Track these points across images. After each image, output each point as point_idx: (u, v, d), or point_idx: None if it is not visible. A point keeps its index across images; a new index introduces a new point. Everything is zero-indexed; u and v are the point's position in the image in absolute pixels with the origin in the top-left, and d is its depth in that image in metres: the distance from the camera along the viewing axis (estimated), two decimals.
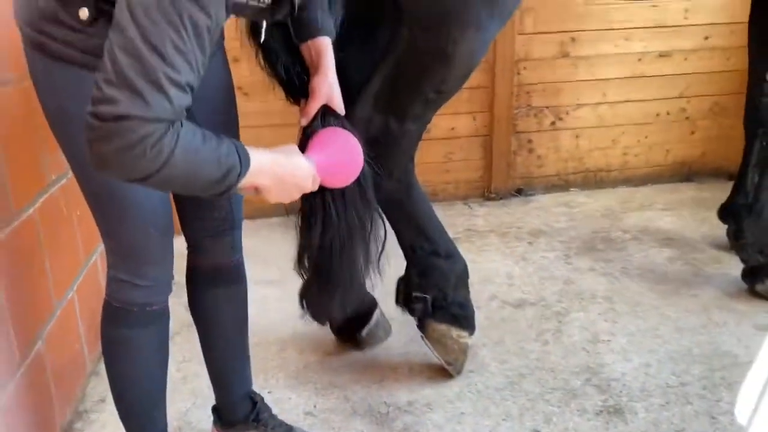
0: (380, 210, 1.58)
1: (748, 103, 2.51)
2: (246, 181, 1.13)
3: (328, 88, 1.41)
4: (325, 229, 1.46)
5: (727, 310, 2.29)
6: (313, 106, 1.40)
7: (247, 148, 1.14)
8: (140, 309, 1.38)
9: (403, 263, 1.98)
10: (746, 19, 2.48)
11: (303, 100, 1.44)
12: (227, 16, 1.08)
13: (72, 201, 1.96)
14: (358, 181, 1.41)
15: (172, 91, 0.97)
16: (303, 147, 1.34)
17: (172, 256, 1.41)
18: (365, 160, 1.41)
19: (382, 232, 1.58)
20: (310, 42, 1.42)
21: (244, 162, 1.11)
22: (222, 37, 1.45)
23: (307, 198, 1.37)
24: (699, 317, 2.26)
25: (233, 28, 1.62)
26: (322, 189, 1.35)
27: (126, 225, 1.31)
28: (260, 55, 1.59)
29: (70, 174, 1.91)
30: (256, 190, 1.19)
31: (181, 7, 0.95)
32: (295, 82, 1.52)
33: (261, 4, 1.16)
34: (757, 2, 2.39)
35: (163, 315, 1.45)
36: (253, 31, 1.51)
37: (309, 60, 1.44)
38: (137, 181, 1.03)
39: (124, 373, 1.45)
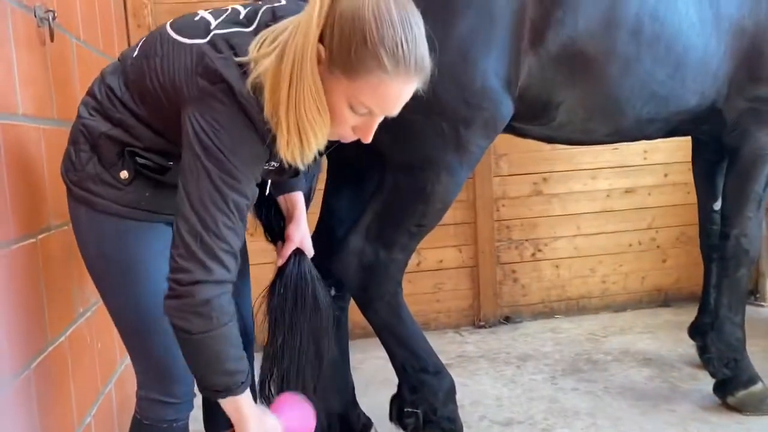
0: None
1: (702, 232, 2.81)
2: (235, 406, 1.35)
3: (300, 235, 1.71)
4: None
5: (702, 422, 2.43)
6: (288, 250, 1.70)
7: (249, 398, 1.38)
8: (169, 425, 1.55)
9: (390, 392, 2.17)
10: None
11: (279, 243, 1.74)
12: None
13: (95, 332, 2.16)
14: None
15: (227, 259, 1.28)
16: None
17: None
18: None
19: None
20: (285, 196, 1.72)
21: (247, 380, 1.37)
22: None
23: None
24: (677, 429, 2.39)
25: None
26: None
27: (156, 348, 1.51)
28: None
29: (95, 307, 2.15)
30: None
31: (228, 199, 1.26)
32: (274, 227, 1.80)
33: (269, 167, 1.44)
34: (695, 144, 2.76)
35: (187, 431, 1.62)
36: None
37: (285, 209, 1.74)
38: (190, 335, 1.29)
39: None
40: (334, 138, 1.35)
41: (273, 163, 1.41)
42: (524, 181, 3.63)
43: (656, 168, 3.75)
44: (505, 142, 3.30)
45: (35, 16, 1.72)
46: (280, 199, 1.74)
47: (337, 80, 1.22)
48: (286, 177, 1.51)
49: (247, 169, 1.29)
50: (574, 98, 2.02)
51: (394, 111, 1.28)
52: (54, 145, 1.82)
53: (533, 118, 2.06)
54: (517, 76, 1.91)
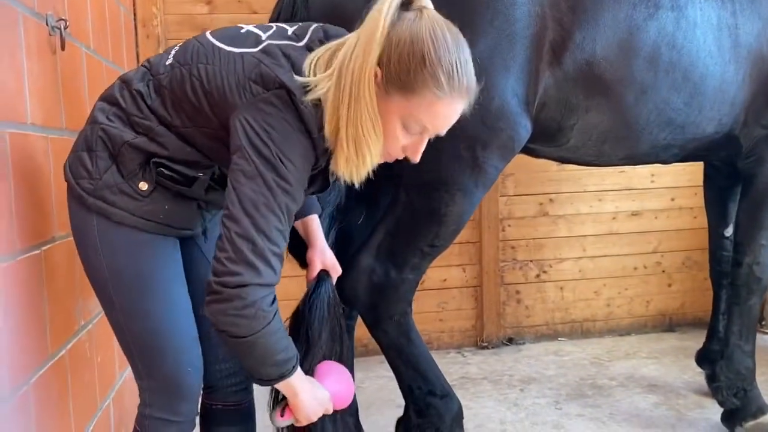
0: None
1: (712, 257, 2.78)
2: (288, 386, 1.42)
3: (320, 258, 1.73)
4: None
5: None
6: (312, 274, 1.73)
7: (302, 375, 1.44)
8: None
9: (397, 413, 2.13)
10: None
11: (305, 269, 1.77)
12: None
13: (95, 345, 2.12)
14: None
15: (274, 261, 1.29)
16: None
17: (199, 395, 1.58)
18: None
19: None
20: (300, 220, 1.73)
21: (297, 361, 1.40)
22: None
23: None
24: None
25: None
26: None
27: (166, 365, 1.48)
28: None
29: (96, 320, 2.11)
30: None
31: (280, 202, 1.28)
32: (298, 255, 1.85)
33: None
34: (708, 169, 2.74)
35: None
36: None
37: (302, 233, 1.76)
38: (240, 338, 1.30)
39: None
40: (384, 158, 1.39)
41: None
42: (530, 202, 3.61)
43: (663, 191, 3.73)
44: (512, 162, 3.24)
45: (47, 24, 1.70)
46: (297, 224, 1.73)
47: (392, 100, 1.29)
48: (311, 193, 1.50)
49: (298, 173, 1.31)
50: (590, 122, 2.00)
51: (445, 129, 1.35)
52: (61, 155, 1.78)
53: (547, 140, 2.04)
54: (534, 96, 1.89)
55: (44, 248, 1.68)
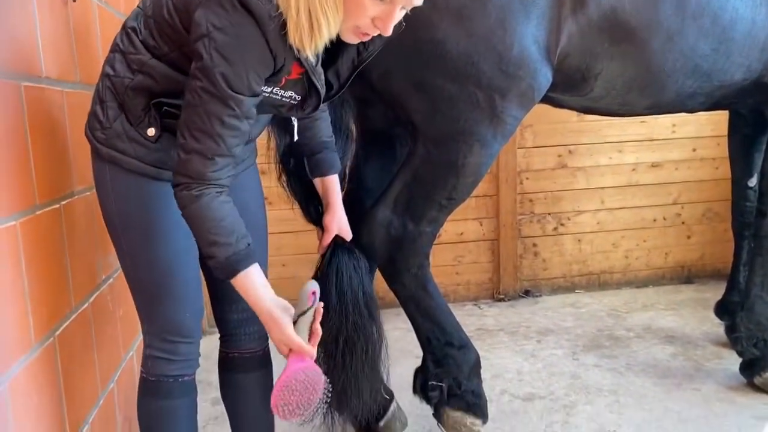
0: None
1: (735, 208, 2.74)
2: (238, 283, 1.38)
3: (337, 223, 1.75)
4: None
5: (727, 402, 2.40)
6: (327, 240, 1.76)
7: (251, 275, 1.38)
8: (174, 380, 1.56)
9: (414, 364, 2.16)
10: None
11: (318, 229, 1.80)
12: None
13: (117, 299, 2.16)
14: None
15: (197, 159, 1.31)
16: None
17: (200, 336, 1.62)
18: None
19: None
20: (322, 179, 1.75)
21: (227, 266, 1.36)
22: (255, 153, 1.72)
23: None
24: (701, 409, 2.36)
25: (263, 146, 1.91)
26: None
27: (167, 311, 1.53)
28: (283, 180, 1.93)
29: (116, 274, 2.14)
30: None
31: (223, 94, 1.28)
32: (311, 211, 1.89)
33: (293, 101, 1.43)
34: (733, 118, 2.68)
35: (193, 388, 1.62)
36: (285, 130, 1.79)
37: (320, 192, 1.77)
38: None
39: None
40: (354, 34, 1.32)
41: (291, 93, 1.41)
42: (549, 154, 3.56)
43: (685, 142, 3.66)
44: (530, 112, 3.20)
45: None
46: (316, 182, 1.75)
47: None
48: (309, 110, 1.47)
49: (244, 74, 1.28)
50: (614, 70, 1.94)
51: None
52: (77, 109, 1.78)
53: (570, 89, 1.99)
54: (556, 44, 1.83)
55: (63, 203, 1.68)
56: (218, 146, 1.31)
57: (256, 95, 1.33)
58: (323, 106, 1.70)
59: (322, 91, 1.42)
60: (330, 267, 1.78)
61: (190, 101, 1.30)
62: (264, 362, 1.76)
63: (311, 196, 1.84)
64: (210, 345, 1.84)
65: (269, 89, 1.38)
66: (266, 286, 1.41)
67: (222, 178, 1.34)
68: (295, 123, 1.63)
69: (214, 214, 1.33)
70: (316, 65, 1.37)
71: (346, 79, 1.48)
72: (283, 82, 1.39)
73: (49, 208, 1.58)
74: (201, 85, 1.28)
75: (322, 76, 1.41)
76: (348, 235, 1.77)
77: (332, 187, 1.75)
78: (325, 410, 1.96)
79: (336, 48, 1.40)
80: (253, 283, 1.38)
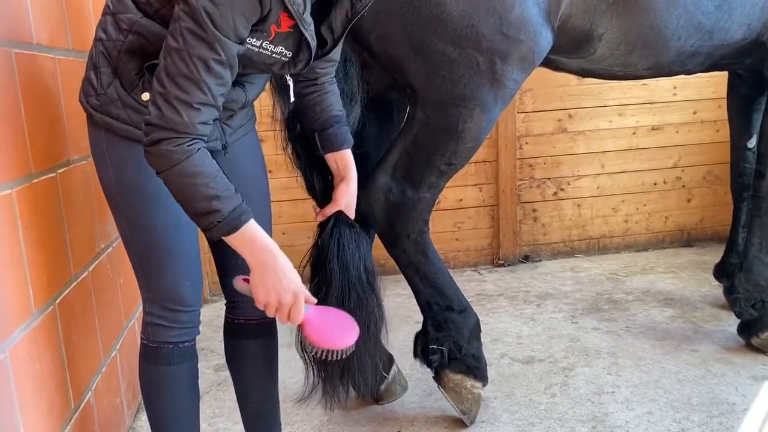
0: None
1: (733, 170, 2.73)
2: (233, 242, 1.32)
3: (348, 198, 1.70)
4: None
5: (725, 362, 2.42)
6: (331, 210, 1.70)
7: (255, 225, 1.33)
8: (174, 346, 1.57)
9: (414, 329, 2.17)
10: None
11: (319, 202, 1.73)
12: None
13: (116, 268, 2.16)
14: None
15: (180, 107, 1.24)
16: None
17: (200, 305, 1.63)
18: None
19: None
20: (335, 155, 1.69)
21: (232, 220, 1.30)
22: (254, 119, 1.70)
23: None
24: (699, 369, 2.39)
25: (265, 114, 1.90)
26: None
27: (165, 279, 1.52)
28: (289, 150, 1.90)
29: (115, 243, 2.14)
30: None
31: (192, 51, 1.23)
32: (315, 185, 1.84)
33: (283, 58, 1.38)
34: (732, 79, 2.65)
35: (194, 354, 1.62)
36: (282, 91, 1.76)
37: (334, 169, 1.71)
38: (158, 174, 1.28)
39: (163, 407, 1.61)
40: None
41: (281, 48, 1.36)
42: (548, 118, 3.53)
43: (685, 105, 3.63)
44: (530, 77, 3.18)
45: None
46: (329, 158, 1.71)
47: None
48: (301, 66, 1.42)
49: (237, 12, 1.23)
50: (617, 30, 1.91)
51: None
52: (70, 77, 1.76)
53: (572, 51, 1.96)
54: (558, 6, 1.80)
55: (60, 171, 1.68)
56: (204, 94, 1.25)
57: (241, 42, 1.28)
58: (332, 78, 1.68)
59: (313, 43, 1.37)
60: (331, 238, 1.76)
61: (172, 45, 1.23)
62: (269, 329, 1.76)
63: (316, 167, 1.82)
64: (212, 312, 1.85)
65: (258, 43, 1.33)
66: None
67: (206, 132, 1.29)
68: (291, 84, 1.60)
69: (209, 169, 1.29)
70: (304, 13, 1.32)
71: (340, 34, 1.44)
72: (273, 36, 1.34)
73: (45, 177, 1.57)
74: (186, 25, 1.22)
75: (312, 27, 1.36)
76: (352, 213, 1.73)
77: (347, 162, 1.69)
78: (328, 385, 1.99)
79: (329, 2, 1.37)
80: (260, 229, 1.34)
